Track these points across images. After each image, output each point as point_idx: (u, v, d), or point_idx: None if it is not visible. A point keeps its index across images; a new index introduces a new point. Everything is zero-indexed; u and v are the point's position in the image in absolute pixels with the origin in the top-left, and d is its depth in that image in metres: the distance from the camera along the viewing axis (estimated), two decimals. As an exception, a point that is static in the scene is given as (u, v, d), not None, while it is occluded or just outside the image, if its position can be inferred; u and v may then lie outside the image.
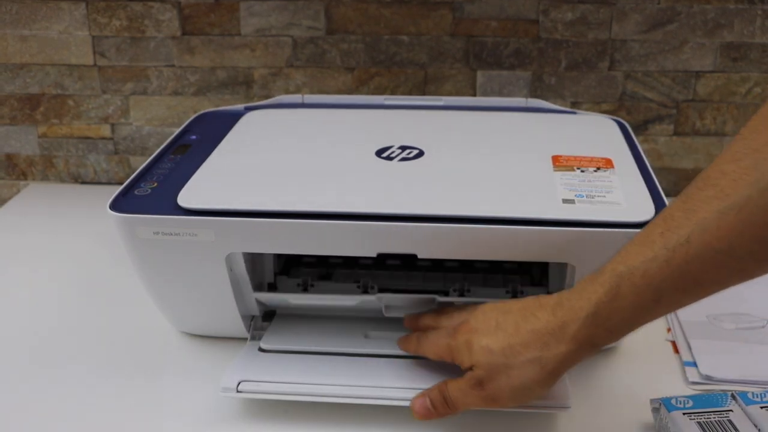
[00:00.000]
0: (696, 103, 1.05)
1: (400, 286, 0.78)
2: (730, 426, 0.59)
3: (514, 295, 0.75)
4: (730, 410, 0.60)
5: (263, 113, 0.88)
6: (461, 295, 0.76)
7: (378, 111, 0.88)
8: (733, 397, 0.61)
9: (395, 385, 0.66)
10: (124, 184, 0.71)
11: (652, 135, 1.07)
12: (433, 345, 0.64)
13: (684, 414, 0.60)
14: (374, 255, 0.66)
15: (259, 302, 0.74)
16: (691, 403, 0.61)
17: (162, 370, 0.73)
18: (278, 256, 0.78)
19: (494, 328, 0.59)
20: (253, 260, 0.73)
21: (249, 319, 0.75)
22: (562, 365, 0.57)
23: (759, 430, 0.59)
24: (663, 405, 0.61)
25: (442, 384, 0.62)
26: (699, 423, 0.59)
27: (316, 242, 0.65)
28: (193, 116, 0.90)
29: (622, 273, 0.53)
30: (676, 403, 0.61)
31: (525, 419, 0.66)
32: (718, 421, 0.59)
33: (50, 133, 1.13)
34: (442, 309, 0.69)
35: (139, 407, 0.68)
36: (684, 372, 0.71)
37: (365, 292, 0.76)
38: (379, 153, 0.74)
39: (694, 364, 0.72)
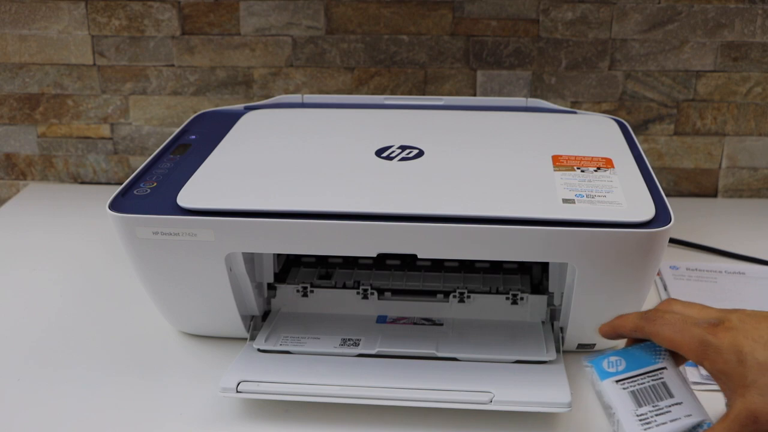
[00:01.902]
0: (696, 103, 1.05)
1: (400, 286, 0.78)
2: (663, 390, 0.55)
3: (514, 302, 0.75)
4: (663, 368, 0.56)
5: (263, 113, 0.88)
6: (461, 302, 0.76)
7: (378, 111, 0.88)
8: (668, 356, 0.57)
9: (395, 385, 0.65)
10: (124, 184, 0.71)
11: (653, 135, 1.07)
12: (678, 330, 0.53)
13: (617, 382, 0.55)
14: (374, 255, 0.66)
15: (258, 302, 0.74)
16: (623, 365, 0.56)
17: (162, 370, 0.73)
18: (278, 256, 0.78)
19: None
20: (253, 260, 0.73)
21: (249, 319, 0.75)
22: None
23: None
24: (595, 372, 0.57)
25: None
26: (632, 392, 0.55)
27: (316, 242, 0.65)
28: (192, 116, 0.90)
29: None
30: (609, 367, 0.57)
31: (525, 419, 0.65)
32: (652, 386, 0.55)
33: (49, 133, 1.13)
34: (680, 301, 0.57)
35: (139, 407, 0.68)
36: (684, 372, 0.71)
37: (365, 297, 0.76)
38: (379, 153, 0.74)
39: (695, 365, 0.71)
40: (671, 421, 0.52)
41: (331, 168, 0.72)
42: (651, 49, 1.02)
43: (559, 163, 0.72)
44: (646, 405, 0.53)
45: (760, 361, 0.48)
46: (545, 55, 1.03)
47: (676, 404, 0.53)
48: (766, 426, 0.46)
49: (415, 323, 0.75)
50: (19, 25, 1.06)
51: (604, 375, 0.56)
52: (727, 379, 0.49)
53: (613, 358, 0.57)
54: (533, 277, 0.79)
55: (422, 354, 0.70)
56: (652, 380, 0.55)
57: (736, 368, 0.49)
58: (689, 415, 0.52)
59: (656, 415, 0.53)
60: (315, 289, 0.77)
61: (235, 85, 1.08)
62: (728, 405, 0.49)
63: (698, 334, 0.51)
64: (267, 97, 1.07)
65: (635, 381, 0.55)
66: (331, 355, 0.70)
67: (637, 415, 0.53)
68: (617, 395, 0.54)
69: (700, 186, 1.09)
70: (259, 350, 0.71)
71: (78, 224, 1.01)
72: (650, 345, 0.57)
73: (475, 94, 1.06)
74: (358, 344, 0.71)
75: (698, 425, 0.52)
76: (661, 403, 0.53)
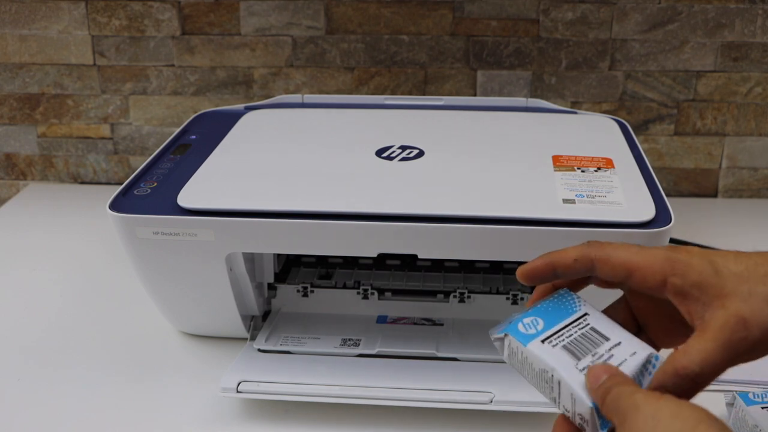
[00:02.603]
0: (696, 103, 1.05)
1: (401, 286, 0.78)
2: (596, 335, 0.47)
3: (514, 302, 0.75)
4: (585, 314, 0.49)
5: (263, 113, 0.88)
6: (461, 302, 0.76)
7: (378, 111, 0.88)
8: (584, 301, 0.50)
9: (395, 385, 0.65)
10: (124, 184, 0.71)
11: (653, 135, 1.07)
12: (635, 252, 0.47)
13: (543, 342, 0.47)
14: (374, 255, 0.66)
15: (259, 302, 0.74)
16: (541, 324, 0.48)
17: (162, 370, 0.73)
18: (278, 256, 0.78)
19: (736, 255, 0.46)
20: (253, 260, 0.73)
21: (249, 319, 0.75)
22: None
23: (760, 430, 0.59)
24: (514, 338, 0.48)
25: (673, 358, 0.44)
26: (565, 347, 0.47)
27: (316, 242, 0.65)
28: (192, 116, 0.90)
29: None
30: (527, 330, 0.48)
31: (525, 419, 0.65)
32: (582, 334, 0.47)
33: (50, 133, 1.13)
34: None
35: (139, 407, 0.68)
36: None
37: (365, 297, 0.76)
38: (379, 153, 0.74)
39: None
40: (619, 365, 0.45)
41: (331, 168, 0.72)
42: (651, 50, 1.02)
43: (560, 163, 0.72)
44: (585, 356, 0.46)
45: (735, 272, 0.45)
46: (545, 55, 1.03)
47: (616, 346, 0.46)
48: (755, 331, 0.43)
49: (415, 323, 0.75)
50: (20, 25, 1.06)
51: (526, 339, 0.47)
52: (700, 292, 0.45)
53: (527, 320, 0.48)
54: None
55: (422, 354, 0.70)
56: (580, 329, 0.47)
57: (712, 278, 0.45)
58: (634, 353, 0.46)
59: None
60: (315, 289, 0.77)
61: (236, 85, 1.08)
62: (700, 321, 0.45)
63: (662, 252, 0.46)
64: (267, 97, 1.07)
65: (562, 335, 0.47)
66: (331, 355, 0.70)
67: (580, 369, 0.45)
68: (550, 354, 0.46)
69: (700, 186, 1.09)
70: (259, 350, 0.71)
71: (78, 224, 1.01)
72: (562, 295, 0.50)
73: (475, 94, 1.06)
74: (359, 344, 0.71)
75: (647, 361, 0.45)
76: (600, 350, 0.46)
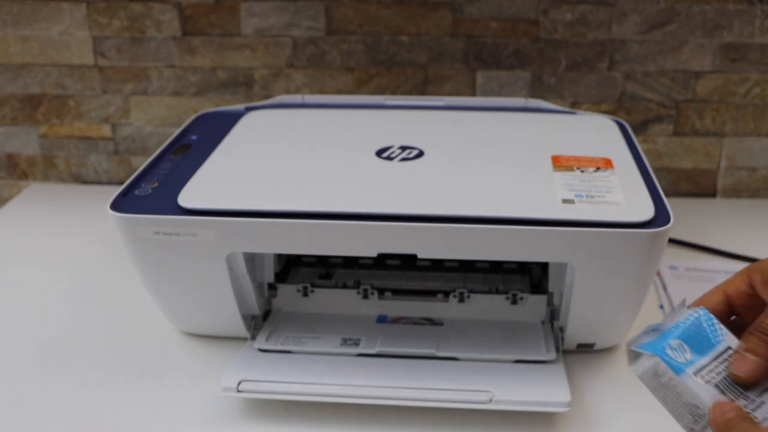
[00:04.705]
0: (695, 104, 1.05)
1: (400, 286, 0.78)
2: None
3: (514, 302, 0.75)
4: (729, 347, 0.48)
5: (264, 113, 0.89)
6: (461, 301, 0.76)
7: (378, 111, 0.89)
8: (724, 329, 0.50)
9: (395, 384, 0.66)
10: (125, 184, 0.71)
11: (652, 135, 1.07)
12: None
13: (696, 374, 0.48)
14: (374, 255, 0.66)
15: (259, 302, 0.75)
16: (689, 353, 0.48)
17: (162, 370, 0.73)
18: (278, 256, 0.78)
19: None
20: (254, 260, 0.74)
21: (249, 319, 0.75)
22: None
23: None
24: (663, 362, 0.48)
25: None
26: (717, 385, 0.47)
27: (316, 242, 0.65)
28: (193, 116, 0.90)
29: None
30: (676, 356, 0.49)
31: (525, 419, 0.66)
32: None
33: (51, 134, 1.13)
34: None
35: (139, 407, 0.68)
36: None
37: (365, 297, 0.77)
38: (379, 153, 0.74)
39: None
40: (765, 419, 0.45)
41: (331, 168, 0.72)
42: (650, 50, 1.03)
43: (559, 163, 0.72)
44: (738, 400, 0.46)
45: None
46: (545, 55, 1.04)
47: (765, 392, 0.46)
48: None
49: (415, 323, 0.76)
50: (21, 25, 1.07)
51: (679, 368, 0.47)
52: None
53: (674, 343, 0.48)
54: (533, 277, 0.80)
55: (422, 354, 0.70)
56: (727, 367, 0.47)
57: None
58: None
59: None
60: (315, 289, 0.78)
61: (236, 86, 1.08)
62: None
63: None
64: (267, 97, 1.07)
65: (713, 370, 0.47)
66: (331, 354, 0.70)
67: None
68: (704, 391, 0.47)
69: (699, 186, 1.10)
70: (259, 350, 0.71)
71: (79, 224, 1.01)
72: (701, 318, 0.49)
73: (474, 95, 1.06)
74: (359, 344, 0.71)
75: None
76: (751, 394, 0.46)
